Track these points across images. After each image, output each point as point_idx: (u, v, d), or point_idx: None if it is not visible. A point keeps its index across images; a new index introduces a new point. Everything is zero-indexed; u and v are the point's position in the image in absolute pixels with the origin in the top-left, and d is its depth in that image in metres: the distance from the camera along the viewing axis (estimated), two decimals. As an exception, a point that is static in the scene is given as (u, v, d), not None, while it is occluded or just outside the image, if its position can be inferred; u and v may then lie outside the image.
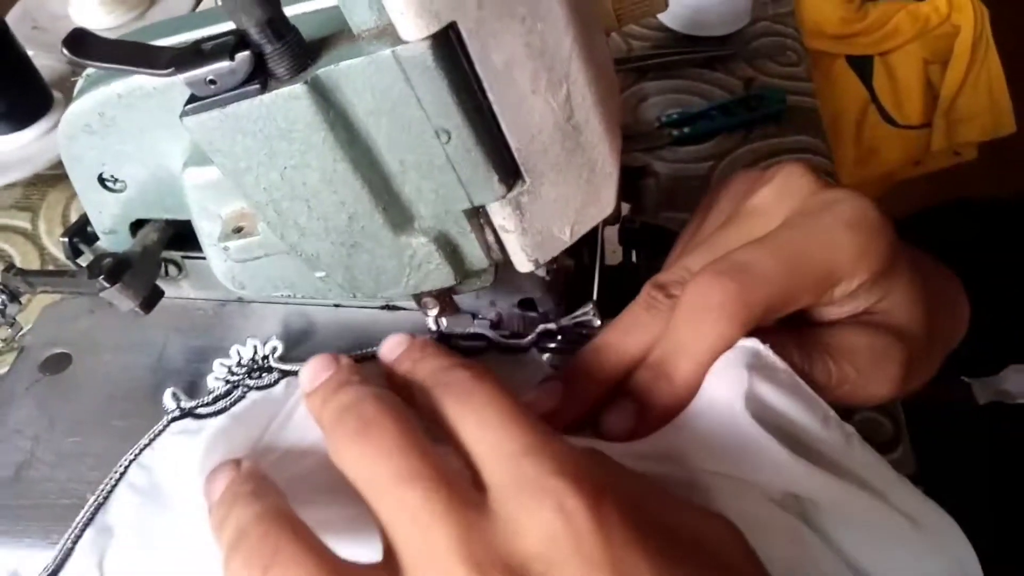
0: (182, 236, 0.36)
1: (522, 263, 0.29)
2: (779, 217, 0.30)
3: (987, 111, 0.90)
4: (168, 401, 0.33)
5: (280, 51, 0.24)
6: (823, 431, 0.27)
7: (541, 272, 0.32)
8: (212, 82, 0.24)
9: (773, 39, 0.64)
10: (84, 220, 0.38)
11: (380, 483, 0.23)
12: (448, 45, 0.24)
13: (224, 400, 0.33)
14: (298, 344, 0.38)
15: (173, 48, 0.25)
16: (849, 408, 0.29)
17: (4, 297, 0.39)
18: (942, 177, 1.01)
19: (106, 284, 0.34)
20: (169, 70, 0.25)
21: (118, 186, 0.35)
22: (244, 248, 0.31)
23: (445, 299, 0.32)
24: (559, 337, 0.38)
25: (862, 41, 0.87)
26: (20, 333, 0.42)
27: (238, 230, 0.31)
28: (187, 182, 0.31)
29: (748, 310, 0.27)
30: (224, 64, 0.24)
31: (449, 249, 0.29)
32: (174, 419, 0.33)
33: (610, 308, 0.36)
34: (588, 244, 0.41)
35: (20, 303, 0.40)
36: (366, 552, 0.23)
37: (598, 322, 0.36)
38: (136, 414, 0.36)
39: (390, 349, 0.29)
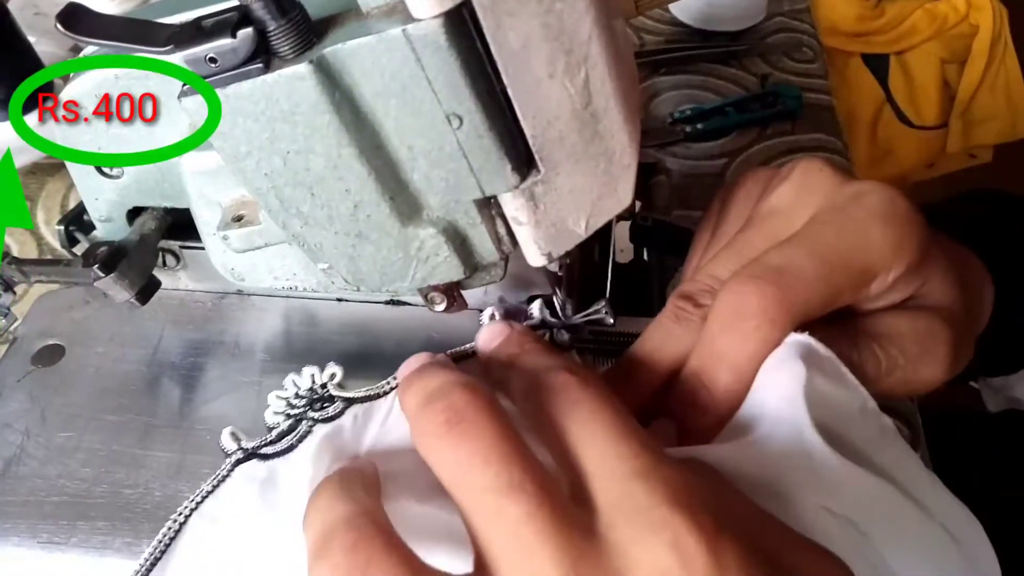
0: (181, 225, 0.35)
1: (534, 257, 0.28)
2: (803, 215, 0.29)
3: (1004, 113, 0.89)
4: (227, 442, 0.30)
5: (284, 28, 0.23)
6: (860, 420, 0.26)
7: (553, 267, 0.31)
8: (213, 60, 0.23)
9: (789, 35, 0.63)
10: (81, 208, 0.37)
11: (475, 488, 0.21)
12: (462, 24, 0.22)
13: (290, 437, 0.30)
14: (299, 340, 0.37)
15: (173, 25, 0.24)
16: (902, 398, 0.29)
17: (-3, 286, 0.38)
18: (956, 180, 1.00)
19: (101, 274, 0.32)
20: (168, 48, 0.24)
21: (115, 172, 0.33)
22: (244, 237, 0.30)
23: (453, 294, 0.31)
24: (570, 335, 0.36)
25: (878, 40, 0.86)
26: (14, 324, 0.41)
27: (238, 219, 0.30)
28: (186, 168, 0.30)
29: (789, 314, 0.26)
30: (225, 42, 0.23)
31: (458, 241, 0.28)
32: (239, 461, 0.29)
33: (621, 307, 0.35)
34: (599, 240, 0.40)
35: (14, 293, 0.39)
36: (460, 561, 0.22)
37: (611, 320, 0.34)
38: (130, 409, 0.35)
39: (488, 339, 0.28)
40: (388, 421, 0.29)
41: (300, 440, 0.29)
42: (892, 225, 0.28)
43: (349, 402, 0.30)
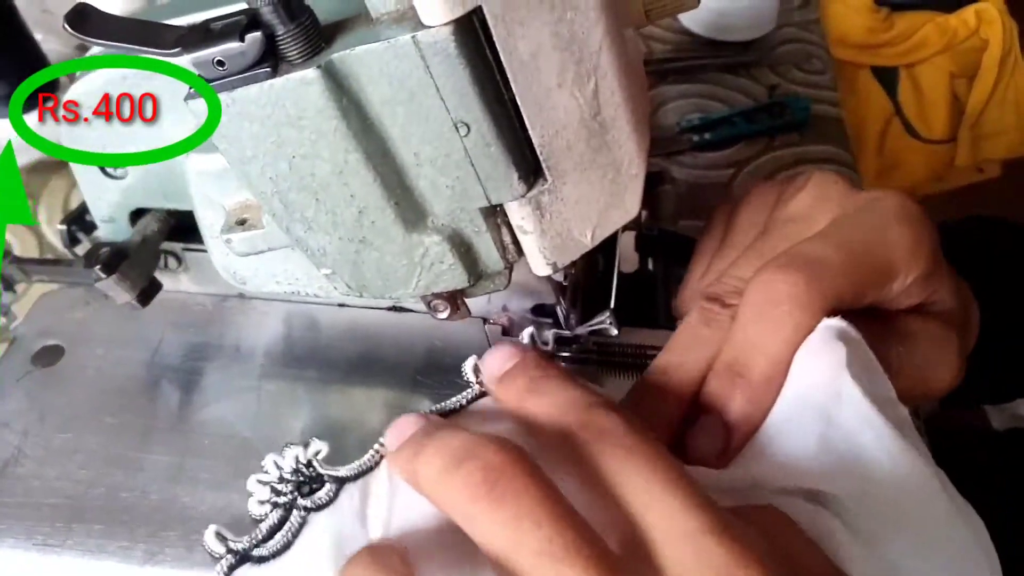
0: (183, 227, 0.35)
1: (540, 266, 0.28)
2: (821, 222, 0.30)
3: (1013, 128, 0.88)
4: (213, 543, 0.27)
5: (293, 33, 0.23)
6: (888, 408, 0.26)
7: (559, 276, 0.31)
8: (220, 64, 0.23)
9: (798, 46, 0.63)
10: (83, 208, 0.37)
11: (526, 553, 0.20)
12: (472, 31, 0.22)
13: (284, 531, 0.27)
14: (300, 345, 0.37)
15: (181, 27, 0.24)
16: (913, 402, 0.30)
17: (-2, 285, 0.38)
18: (963, 194, 0.99)
19: (102, 275, 0.32)
20: (176, 50, 0.24)
21: (119, 172, 0.33)
22: (247, 241, 0.29)
23: (456, 302, 0.31)
24: (573, 345, 0.36)
25: (888, 52, 0.86)
26: (14, 323, 0.41)
27: (242, 222, 0.30)
28: (190, 170, 0.30)
29: (820, 299, 0.26)
30: (233, 45, 0.23)
31: (463, 249, 0.28)
32: (232, 567, 0.27)
33: (626, 317, 0.35)
34: (604, 250, 0.39)
35: (15, 292, 0.39)
36: None
37: (615, 331, 0.34)
38: (129, 411, 0.35)
39: (498, 365, 0.27)
40: (395, 495, 0.26)
41: (295, 535, 0.27)
42: (909, 225, 0.29)
43: (340, 481, 0.28)
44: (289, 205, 0.26)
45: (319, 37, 0.23)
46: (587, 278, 0.37)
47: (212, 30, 0.23)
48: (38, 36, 0.59)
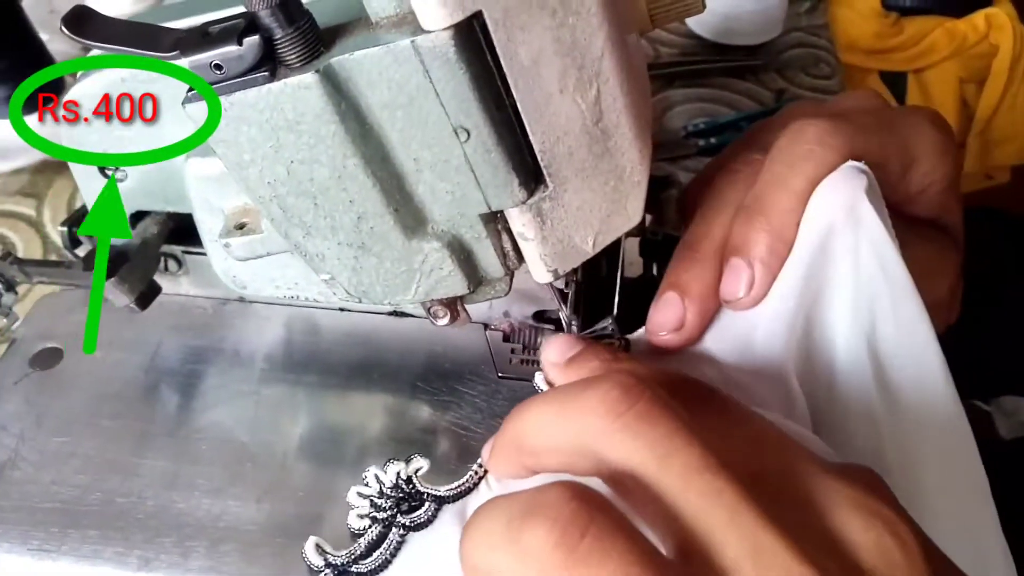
0: (183, 230, 0.35)
1: (540, 273, 0.28)
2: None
3: (1022, 134, 0.88)
4: (313, 556, 0.27)
5: (291, 37, 0.23)
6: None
7: (560, 283, 0.30)
8: (218, 67, 0.23)
9: (806, 50, 0.62)
10: (85, 209, 0.37)
11: (678, 467, 0.20)
12: (472, 36, 0.22)
13: (382, 549, 0.27)
14: (300, 350, 0.37)
15: (179, 30, 0.24)
16: None
17: (-1, 286, 0.38)
18: (972, 200, 0.99)
19: (101, 278, 0.32)
20: (173, 53, 0.23)
21: (119, 175, 0.33)
22: (246, 246, 0.29)
23: (456, 308, 0.31)
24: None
25: (896, 57, 0.85)
26: (15, 324, 0.40)
27: (241, 227, 0.29)
28: (189, 174, 0.30)
29: (847, 141, 0.27)
30: (231, 48, 0.22)
31: (463, 256, 0.27)
32: None
33: (630, 323, 0.35)
34: (608, 256, 0.39)
35: (16, 293, 0.39)
36: None
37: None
38: (127, 415, 0.34)
39: (560, 353, 0.28)
40: None
41: (393, 555, 0.27)
42: (942, 132, 0.30)
43: (440, 501, 0.28)
44: (287, 210, 0.26)
45: (318, 41, 0.23)
46: (590, 283, 0.36)
47: (210, 33, 0.23)
48: (45, 36, 0.59)
